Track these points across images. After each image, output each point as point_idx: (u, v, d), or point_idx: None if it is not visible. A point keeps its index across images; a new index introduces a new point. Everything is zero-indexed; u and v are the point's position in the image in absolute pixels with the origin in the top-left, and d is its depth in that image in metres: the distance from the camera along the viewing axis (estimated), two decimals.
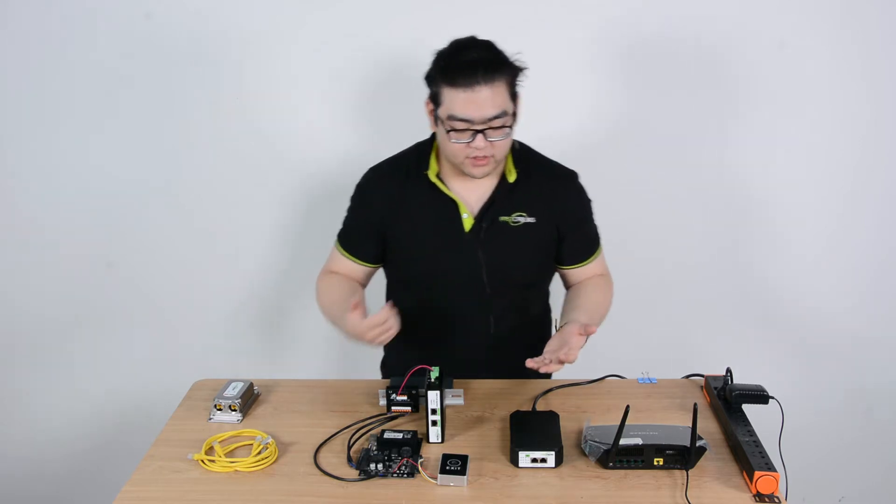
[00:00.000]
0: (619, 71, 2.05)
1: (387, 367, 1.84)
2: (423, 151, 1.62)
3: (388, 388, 1.50)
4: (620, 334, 2.22)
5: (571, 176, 1.66)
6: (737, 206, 2.15)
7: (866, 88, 2.03)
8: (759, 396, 1.44)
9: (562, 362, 1.39)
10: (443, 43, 1.49)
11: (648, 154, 2.10)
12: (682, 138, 2.09)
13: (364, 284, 1.71)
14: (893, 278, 2.20)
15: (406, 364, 1.47)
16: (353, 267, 1.68)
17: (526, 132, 1.61)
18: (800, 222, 2.16)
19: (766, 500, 1.24)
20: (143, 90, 2.06)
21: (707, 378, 1.58)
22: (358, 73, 2.06)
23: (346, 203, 1.69)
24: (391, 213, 1.62)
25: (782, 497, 1.25)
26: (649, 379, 1.64)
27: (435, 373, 1.41)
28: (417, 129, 1.65)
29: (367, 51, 2.03)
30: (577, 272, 1.69)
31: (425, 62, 1.50)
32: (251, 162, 2.14)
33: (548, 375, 1.69)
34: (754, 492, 1.25)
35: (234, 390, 1.53)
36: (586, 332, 1.40)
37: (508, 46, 1.49)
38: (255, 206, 2.20)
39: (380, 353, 1.84)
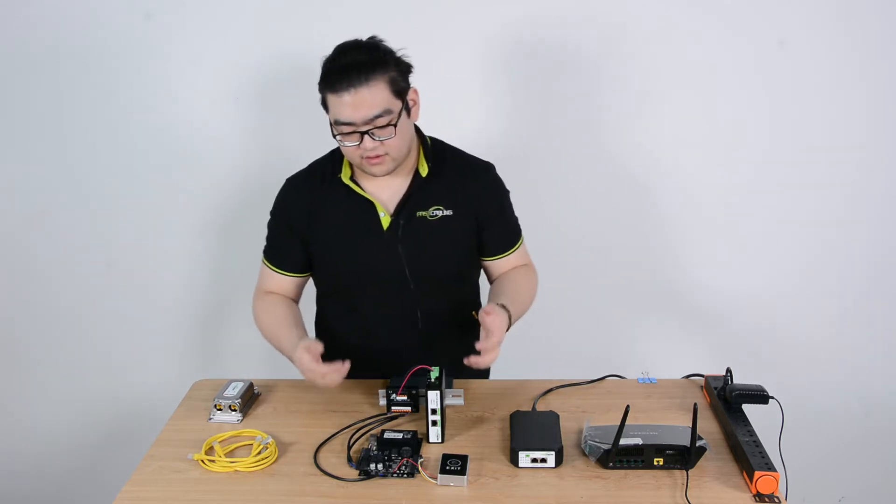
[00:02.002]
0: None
1: None
2: (337, 156, 1.62)
3: (388, 388, 1.50)
4: (620, 334, 2.23)
5: (486, 167, 1.65)
6: (737, 208, 2.15)
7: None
8: (759, 396, 1.44)
9: (491, 349, 1.40)
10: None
11: (653, 155, 2.10)
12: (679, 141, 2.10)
13: (297, 296, 1.71)
14: (893, 278, 2.20)
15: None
16: (283, 280, 1.67)
17: (445, 131, 1.63)
18: (799, 223, 2.15)
19: (766, 500, 1.24)
20: (142, 90, 2.06)
21: (707, 378, 1.58)
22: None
23: None
24: (309, 219, 1.61)
25: (782, 497, 1.25)
26: (649, 379, 1.64)
27: (435, 373, 1.41)
28: None
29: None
30: (499, 263, 1.68)
31: None
32: (251, 161, 2.14)
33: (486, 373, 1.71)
34: (754, 492, 1.25)
35: (234, 390, 1.53)
36: (493, 310, 1.41)
37: (416, 48, 1.47)
38: (256, 205, 2.18)
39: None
